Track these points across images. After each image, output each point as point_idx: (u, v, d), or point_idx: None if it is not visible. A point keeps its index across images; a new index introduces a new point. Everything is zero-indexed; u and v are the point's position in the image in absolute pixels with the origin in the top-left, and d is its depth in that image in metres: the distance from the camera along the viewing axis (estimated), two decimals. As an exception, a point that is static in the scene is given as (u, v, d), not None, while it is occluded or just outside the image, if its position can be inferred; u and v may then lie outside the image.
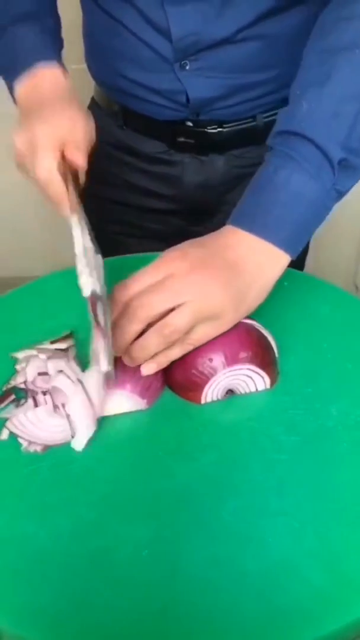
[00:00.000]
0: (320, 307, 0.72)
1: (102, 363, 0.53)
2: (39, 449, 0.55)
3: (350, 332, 0.68)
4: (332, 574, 0.46)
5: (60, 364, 0.61)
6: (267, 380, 0.61)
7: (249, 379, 0.60)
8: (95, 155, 0.68)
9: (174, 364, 0.59)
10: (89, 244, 0.58)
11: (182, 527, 0.49)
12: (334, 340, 0.67)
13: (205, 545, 0.48)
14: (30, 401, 0.58)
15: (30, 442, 0.55)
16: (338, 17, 0.60)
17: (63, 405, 0.57)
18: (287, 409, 0.59)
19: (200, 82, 0.78)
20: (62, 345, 0.64)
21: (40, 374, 0.61)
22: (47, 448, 0.55)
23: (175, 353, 0.57)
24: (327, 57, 0.59)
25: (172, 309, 0.55)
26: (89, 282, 0.53)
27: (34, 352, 0.64)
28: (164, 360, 0.57)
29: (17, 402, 0.59)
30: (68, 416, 0.56)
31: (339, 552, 0.48)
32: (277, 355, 0.62)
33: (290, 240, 0.58)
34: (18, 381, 0.61)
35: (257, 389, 0.61)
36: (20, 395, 0.60)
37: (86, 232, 0.59)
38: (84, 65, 0.90)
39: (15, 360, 0.64)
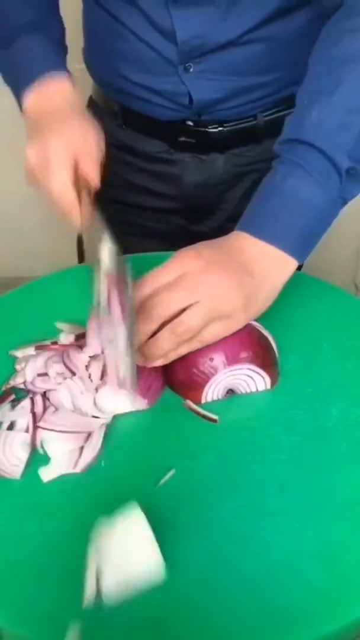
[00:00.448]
0: (320, 307, 0.72)
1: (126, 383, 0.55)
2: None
3: (350, 332, 0.68)
4: (332, 574, 0.46)
5: (60, 366, 0.61)
6: (268, 380, 0.61)
7: (250, 379, 0.60)
8: None
9: (174, 363, 0.59)
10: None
11: (182, 527, 0.49)
12: (334, 340, 0.67)
13: (205, 545, 0.48)
14: (27, 402, 0.58)
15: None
16: (345, 28, 0.61)
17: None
18: (287, 409, 0.59)
19: (204, 84, 0.79)
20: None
21: (39, 374, 0.61)
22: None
23: (184, 350, 0.57)
24: (334, 67, 0.60)
25: (185, 308, 0.55)
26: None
27: (32, 351, 0.64)
28: (172, 356, 0.58)
29: (17, 402, 0.59)
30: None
31: (339, 552, 0.48)
32: (277, 355, 0.62)
33: (298, 246, 0.59)
34: (17, 381, 0.61)
35: (257, 389, 0.61)
36: (20, 395, 0.60)
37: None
38: (83, 66, 0.90)
39: (15, 360, 0.64)
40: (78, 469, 0.54)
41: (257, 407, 0.60)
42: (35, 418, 0.57)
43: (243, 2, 0.72)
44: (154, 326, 0.56)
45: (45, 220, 1.64)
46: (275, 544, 0.48)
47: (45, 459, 0.54)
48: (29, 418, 0.56)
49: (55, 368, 0.60)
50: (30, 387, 0.60)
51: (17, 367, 0.63)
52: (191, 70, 0.77)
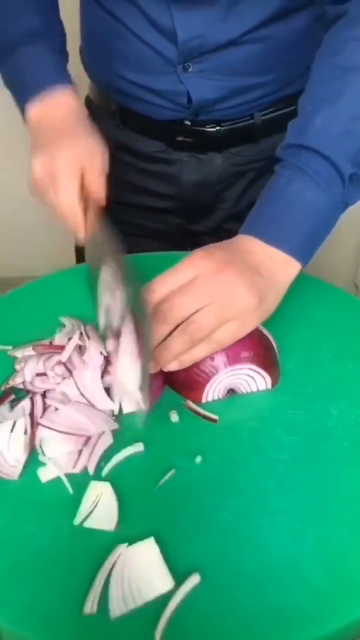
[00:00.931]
0: (320, 307, 0.72)
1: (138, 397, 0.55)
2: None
3: (350, 332, 0.68)
4: (332, 574, 0.46)
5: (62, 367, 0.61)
6: (269, 380, 0.61)
7: (250, 379, 0.60)
8: None
9: None
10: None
11: (182, 527, 0.49)
12: (334, 340, 0.67)
13: (205, 545, 0.48)
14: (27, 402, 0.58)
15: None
16: (348, 36, 0.62)
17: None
18: (287, 409, 0.59)
19: (203, 83, 0.79)
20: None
21: (38, 374, 0.61)
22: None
23: (200, 353, 0.57)
24: (338, 75, 0.61)
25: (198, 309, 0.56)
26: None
27: (32, 351, 0.64)
28: (187, 360, 0.57)
29: (17, 402, 0.59)
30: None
31: (339, 552, 0.48)
32: (277, 355, 0.62)
33: (301, 249, 0.60)
34: (17, 381, 0.61)
35: (258, 389, 0.61)
36: (20, 395, 0.60)
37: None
38: (81, 67, 0.90)
39: (14, 360, 0.64)
40: (77, 470, 0.54)
41: (257, 407, 0.60)
42: (33, 419, 0.56)
43: (244, 3, 0.72)
44: (167, 329, 0.56)
45: (45, 221, 1.64)
46: (275, 544, 0.48)
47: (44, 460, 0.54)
48: (27, 419, 0.56)
49: (56, 370, 0.60)
50: (29, 387, 0.60)
51: (17, 367, 0.63)
52: (190, 69, 0.78)
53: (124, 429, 0.57)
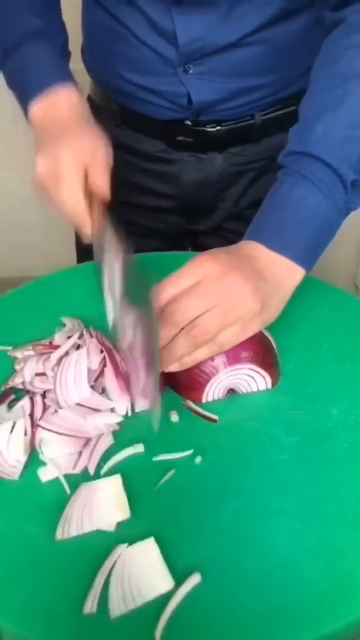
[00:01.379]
0: (320, 308, 0.72)
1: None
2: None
3: (350, 332, 0.68)
4: (332, 573, 0.46)
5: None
6: (269, 380, 0.61)
7: (251, 379, 0.60)
8: None
9: None
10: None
11: (182, 527, 0.49)
12: (334, 341, 0.67)
13: (205, 545, 0.48)
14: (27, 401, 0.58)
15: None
16: (347, 43, 0.62)
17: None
18: (287, 409, 0.59)
19: (203, 85, 0.79)
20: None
21: (37, 374, 0.61)
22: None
23: (202, 355, 0.57)
24: (338, 82, 0.61)
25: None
26: None
27: (30, 351, 0.64)
28: (189, 361, 0.58)
29: (16, 402, 0.59)
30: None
31: (339, 552, 0.48)
32: (277, 355, 0.62)
33: (305, 255, 0.61)
34: (16, 382, 0.61)
35: (258, 389, 0.61)
36: (20, 395, 0.60)
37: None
38: (81, 65, 0.90)
39: (15, 360, 0.64)
40: (77, 470, 0.54)
41: (257, 407, 0.60)
42: (34, 419, 0.56)
43: (244, 5, 0.72)
44: (173, 332, 0.56)
45: (45, 220, 1.64)
46: (275, 544, 0.48)
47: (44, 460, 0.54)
48: (27, 419, 0.56)
49: (55, 370, 0.60)
50: (29, 387, 0.60)
51: (17, 367, 0.63)
52: (190, 71, 0.78)
53: (124, 429, 0.57)
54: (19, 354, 0.64)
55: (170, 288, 0.57)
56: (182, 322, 0.56)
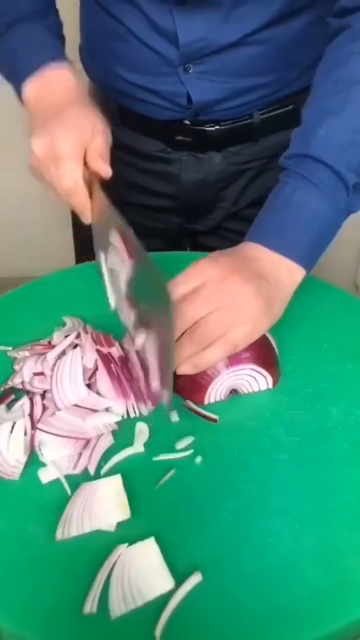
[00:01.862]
0: (320, 307, 0.72)
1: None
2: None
3: (350, 332, 0.68)
4: (332, 573, 0.46)
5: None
6: (270, 380, 0.61)
7: (252, 379, 0.60)
8: None
9: None
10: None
11: (182, 527, 0.49)
12: (334, 340, 0.67)
13: (205, 545, 0.48)
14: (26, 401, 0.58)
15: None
16: (351, 49, 0.63)
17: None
18: (287, 409, 0.59)
19: (203, 85, 0.79)
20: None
21: (36, 374, 0.61)
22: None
23: (215, 355, 0.56)
24: (341, 87, 0.62)
25: None
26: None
27: (29, 351, 0.64)
28: (201, 362, 0.57)
29: (16, 402, 0.59)
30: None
31: (339, 552, 0.48)
32: (278, 355, 0.62)
33: (306, 256, 0.61)
34: (16, 382, 0.61)
35: (260, 389, 0.61)
36: (19, 395, 0.60)
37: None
38: (80, 66, 0.90)
39: (14, 360, 0.64)
40: (78, 471, 0.54)
41: (257, 407, 0.60)
42: (33, 420, 0.56)
43: (245, 6, 0.72)
44: (176, 335, 0.56)
45: (45, 220, 1.64)
46: (275, 544, 0.48)
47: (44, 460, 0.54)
48: (27, 419, 0.56)
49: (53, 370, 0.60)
50: (28, 387, 0.60)
51: (16, 367, 0.63)
52: (190, 71, 0.78)
53: (124, 429, 0.57)
54: (18, 354, 0.64)
55: (172, 293, 0.57)
56: (183, 325, 0.56)
